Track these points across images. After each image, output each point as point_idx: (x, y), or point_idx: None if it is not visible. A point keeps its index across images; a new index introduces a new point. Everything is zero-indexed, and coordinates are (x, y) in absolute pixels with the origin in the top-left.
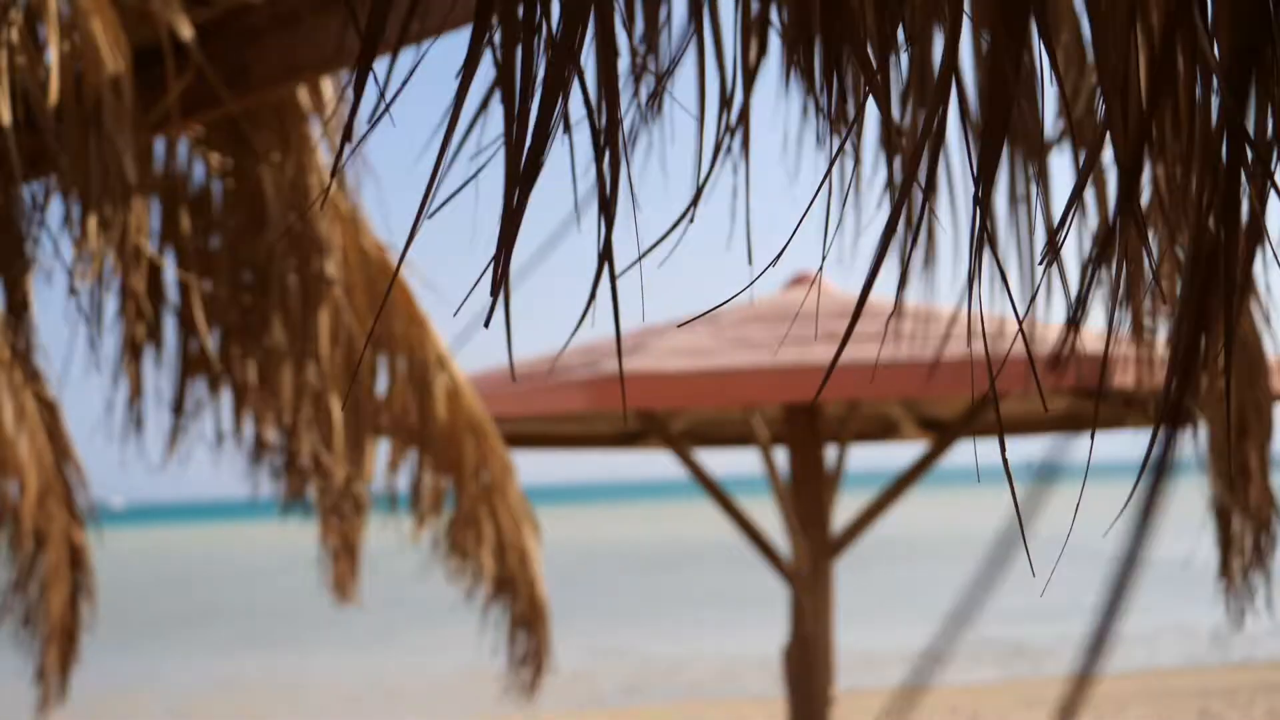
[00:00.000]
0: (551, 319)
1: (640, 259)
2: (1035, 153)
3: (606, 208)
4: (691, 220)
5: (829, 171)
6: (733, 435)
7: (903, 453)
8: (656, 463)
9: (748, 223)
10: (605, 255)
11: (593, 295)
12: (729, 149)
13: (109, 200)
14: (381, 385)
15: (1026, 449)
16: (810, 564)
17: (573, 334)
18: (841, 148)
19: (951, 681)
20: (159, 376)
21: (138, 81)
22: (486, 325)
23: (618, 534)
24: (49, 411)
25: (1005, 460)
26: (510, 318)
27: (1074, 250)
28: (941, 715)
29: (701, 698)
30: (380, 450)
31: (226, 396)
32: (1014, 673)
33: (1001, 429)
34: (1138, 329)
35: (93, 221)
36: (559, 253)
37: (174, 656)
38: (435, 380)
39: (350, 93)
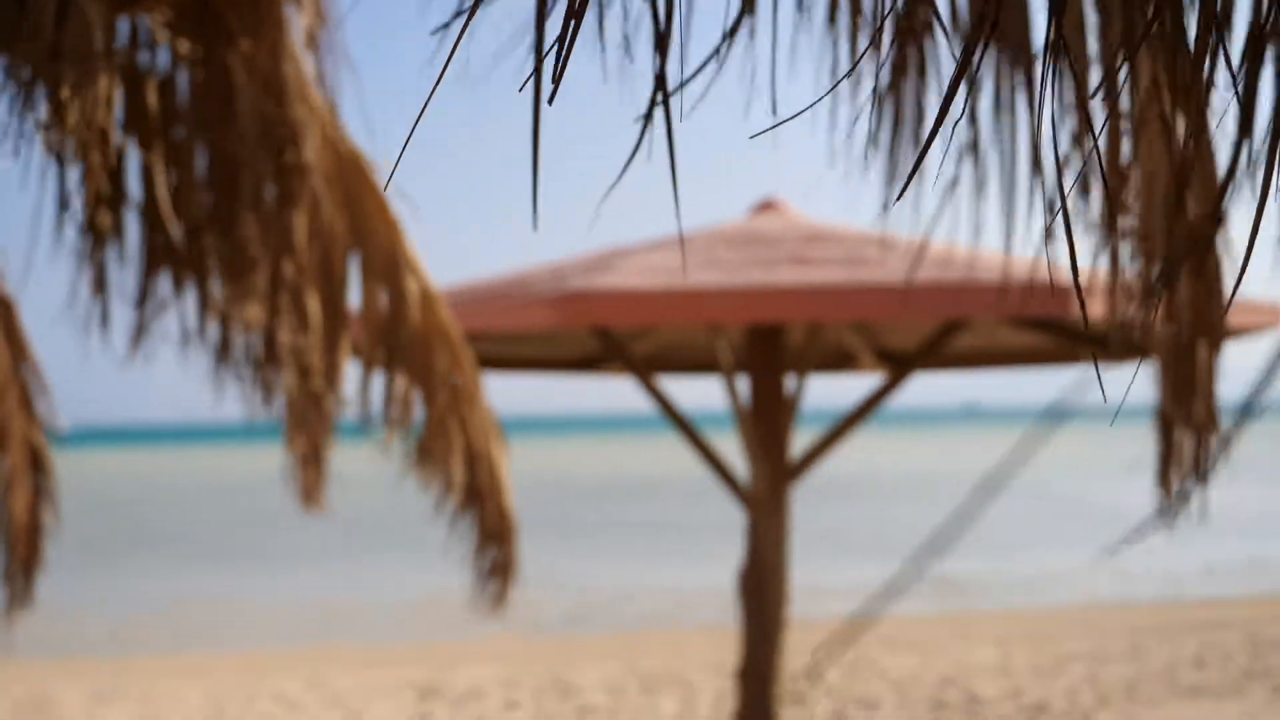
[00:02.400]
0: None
1: (675, 93)
2: (1021, 61)
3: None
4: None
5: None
6: (694, 362)
7: (860, 386)
8: (612, 394)
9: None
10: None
11: (647, 118)
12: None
13: (75, 74)
14: (353, 287)
15: (985, 384)
16: (768, 489)
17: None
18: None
19: (888, 613)
20: (122, 273)
21: None
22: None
23: (569, 465)
24: (4, 308)
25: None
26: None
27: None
28: (879, 646)
29: (646, 629)
30: (350, 353)
31: (192, 295)
32: (949, 606)
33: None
34: (1113, 257)
35: (62, 94)
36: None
37: (118, 579)
38: (408, 284)
39: None
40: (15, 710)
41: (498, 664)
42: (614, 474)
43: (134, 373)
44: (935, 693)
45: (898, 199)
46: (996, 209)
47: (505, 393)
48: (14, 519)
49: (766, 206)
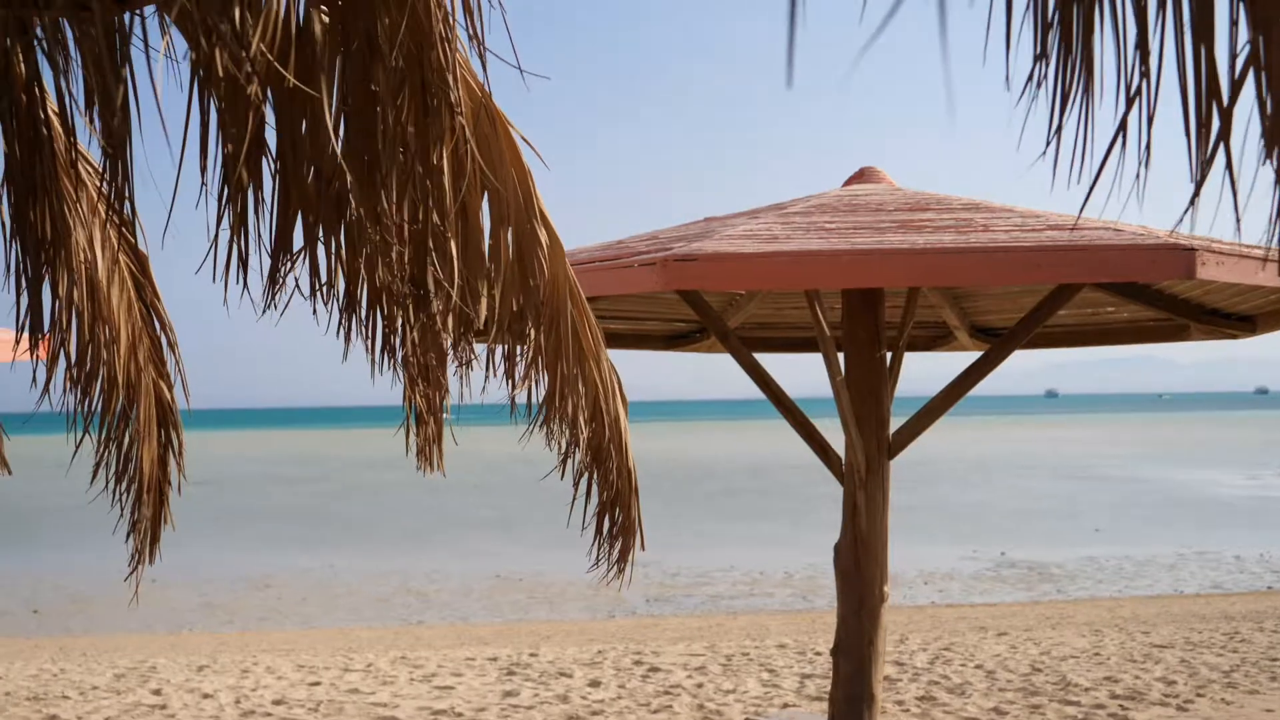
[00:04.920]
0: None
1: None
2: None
3: None
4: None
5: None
6: (789, 339)
7: (955, 364)
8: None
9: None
10: None
11: None
12: None
13: (214, 11)
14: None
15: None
16: (865, 462)
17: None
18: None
19: (979, 601)
20: (259, 220)
21: None
22: None
23: (654, 448)
24: (139, 261)
25: None
26: None
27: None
28: (970, 632)
29: (730, 611)
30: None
31: (326, 248)
32: (1040, 593)
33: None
34: None
35: (202, 37)
36: (606, 150)
37: (220, 556)
38: (539, 232)
39: None
40: (119, 680)
41: (582, 643)
42: (699, 457)
43: (246, 354)
44: (1026, 679)
45: (1059, 129)
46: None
47: None
48: (142, 472)
49: (863, 174)
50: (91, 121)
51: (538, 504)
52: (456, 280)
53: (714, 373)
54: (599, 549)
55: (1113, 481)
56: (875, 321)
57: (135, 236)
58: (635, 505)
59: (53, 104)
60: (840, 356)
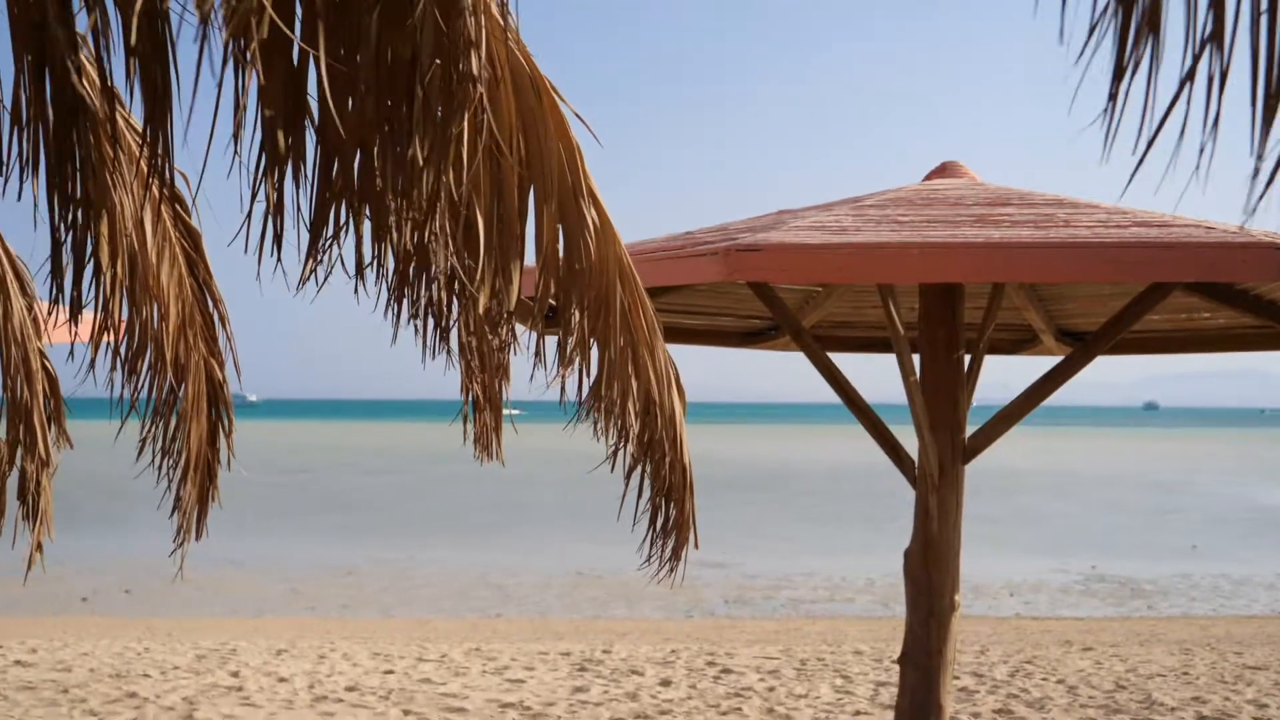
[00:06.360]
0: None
1: None
2: None
3: None
4: None
5: None
6: (868, 338)
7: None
8: (768, 384)
9: None
10: None
11: None
12: None
13: None
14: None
15: (1182, 370)
16: (939, 466)
17: None
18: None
19: (1066, 614)
20: (298, 194)
21: None
22: None
23: (722, 451)
24: (192, 237)
25: None
26: None
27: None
28: (1054, 645)
29: (805, 615)
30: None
31: (368, 222)
32: (1130, 609)
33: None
34: None
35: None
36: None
37: (301, 543)
38: (586, 212)
39: None
40: (200, 661)
41: (657, 642)
42: (788, 459)
43: (325, 347)
44: (1109, 695)
45: (1121, 99)
46: (1239, 120)
47: None
48: (189, 450)
49: (944, 169)
50: (131, 85)
51: (620, 501)
52: (483, 259)
53: (805, 371)
54: (651, 545)
55: (1211, 497)
56: (953, 321)
57: (188, 212)
58: (690, 502)
59: (90, 71)
60: (916, 358)
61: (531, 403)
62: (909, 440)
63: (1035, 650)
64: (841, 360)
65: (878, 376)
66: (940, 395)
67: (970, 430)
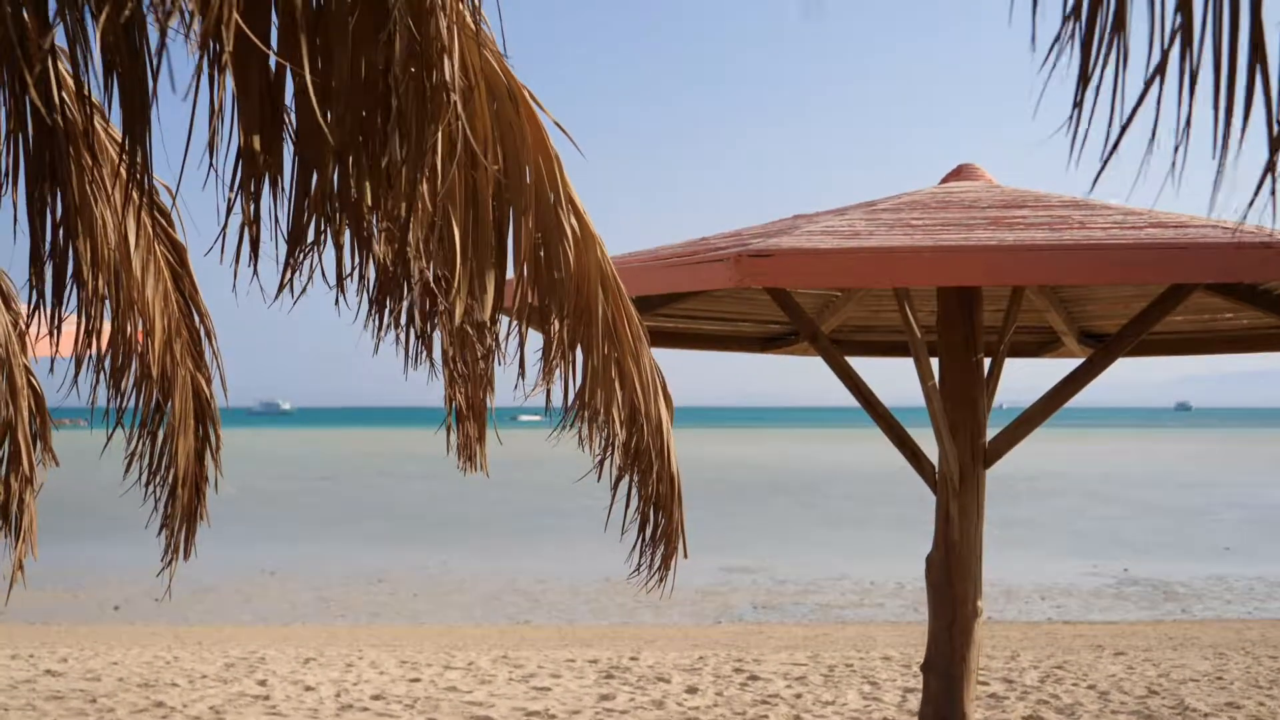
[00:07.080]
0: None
1: None
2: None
3: None
4: None
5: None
6: (888, 342)
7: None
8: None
9: None
10: None
11: None
12: None
13: None
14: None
15: (1214, 371)
16: (959, 470)
17: None
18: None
19: (1098, 618)
20: (275, 204)
21: None
22: None
23: (748, 455)
24: (176, 252)
25: None
26: None
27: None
28: (1086, 650)
29: (832, 621)
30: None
31: (347, 231)
32: (1163, 613)
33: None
34: None
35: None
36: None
37: (330, 551)
38: (564, 219)
39: None
40: (228, 670)
41: (684, 649)
42: (803, 463)
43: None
44: (1141, 701)
45: (1088, 101)
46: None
47: (681, 381)
48: (176, 466)
49: (961, 171)
50: (109, 96)
51: (608, 510)
52: (459, 269)
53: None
54: (640, 554)
55: (1244, 498)
56: (972, 324)
57: (173, 226)
58: (678, 511)
59: (68, 79)
60: (934, 361)
61: (545, 409)
62: (929, 445)
63: (1066, 655)
64: (861, 364)
65: (898, 380)
66: (959, 399)
67: (993, 434)
